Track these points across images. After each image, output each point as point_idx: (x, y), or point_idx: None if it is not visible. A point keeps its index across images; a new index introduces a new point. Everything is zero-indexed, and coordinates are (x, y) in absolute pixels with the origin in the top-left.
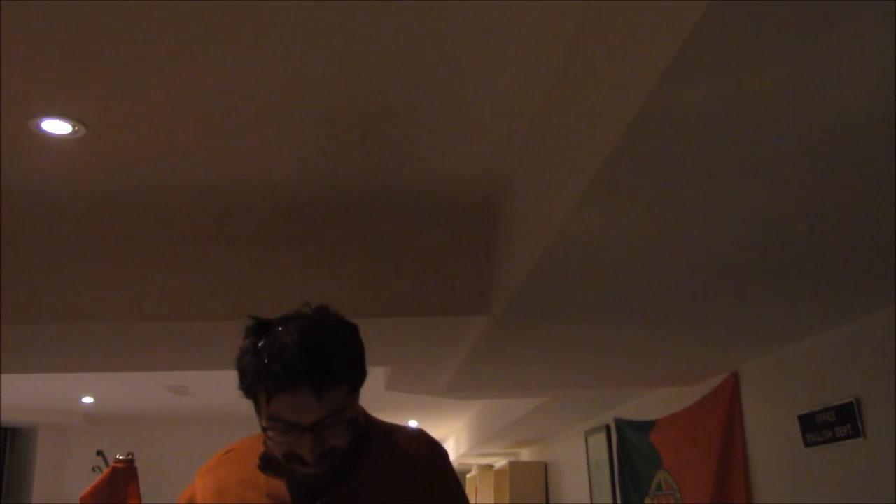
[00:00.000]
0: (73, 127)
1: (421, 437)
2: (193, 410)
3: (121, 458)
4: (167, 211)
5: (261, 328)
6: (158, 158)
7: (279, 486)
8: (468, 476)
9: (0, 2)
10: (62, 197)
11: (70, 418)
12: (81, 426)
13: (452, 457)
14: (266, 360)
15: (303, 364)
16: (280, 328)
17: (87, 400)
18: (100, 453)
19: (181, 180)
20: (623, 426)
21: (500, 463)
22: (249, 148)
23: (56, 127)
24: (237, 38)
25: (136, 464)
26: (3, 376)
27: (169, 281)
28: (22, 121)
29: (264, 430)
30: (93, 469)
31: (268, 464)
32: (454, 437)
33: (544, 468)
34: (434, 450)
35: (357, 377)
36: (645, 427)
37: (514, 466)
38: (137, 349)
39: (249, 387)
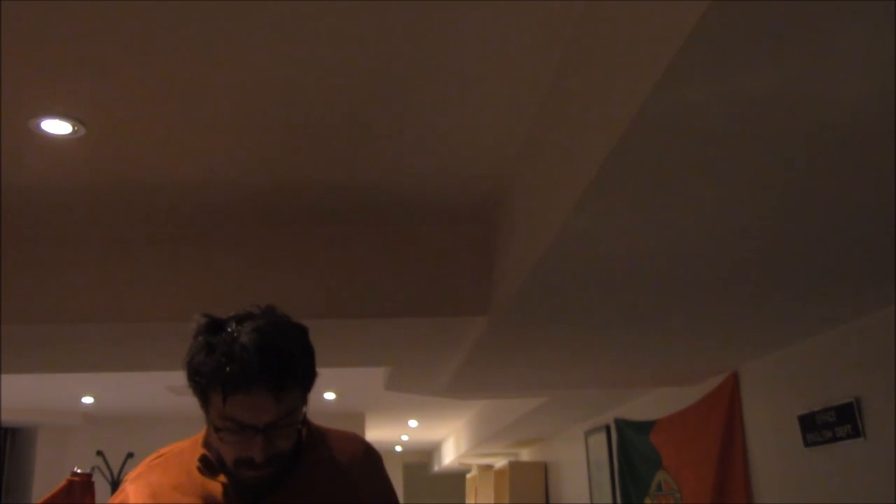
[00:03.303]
0: (73, 127)
1: (354, 439)
2: (193, 410)
3: (79, 471)
4: (168, 211)
5: (214, 327)
6: (159, 158)
7: (215, 488)
8: (468, 476)
9: (0, 2)
10: (62, 197)
11: (70, 418)
12: (81, 426)
13: (452, 457)
14: (223, 360)
15: (262, 364)
16: (234, 328)
17: (87, 400)
18: (100, 453)
19: (182, 180)
20: (623, 426)
21: (500, 463)
22: (250, 148)
23: (56, 127)
24: (241, 37)
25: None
26: (3, 376)
27: (170, 280)
28: (22, 121)
29: (216, 430)
30: (92, 469)
31: (207, 466)
32: (454, 437)
33: (544, 468)
34: (368, 452)
35: (311, 379)
36: (645, 427)
37: (514, 466)
38: (137, 349)
39: (204, 386)
